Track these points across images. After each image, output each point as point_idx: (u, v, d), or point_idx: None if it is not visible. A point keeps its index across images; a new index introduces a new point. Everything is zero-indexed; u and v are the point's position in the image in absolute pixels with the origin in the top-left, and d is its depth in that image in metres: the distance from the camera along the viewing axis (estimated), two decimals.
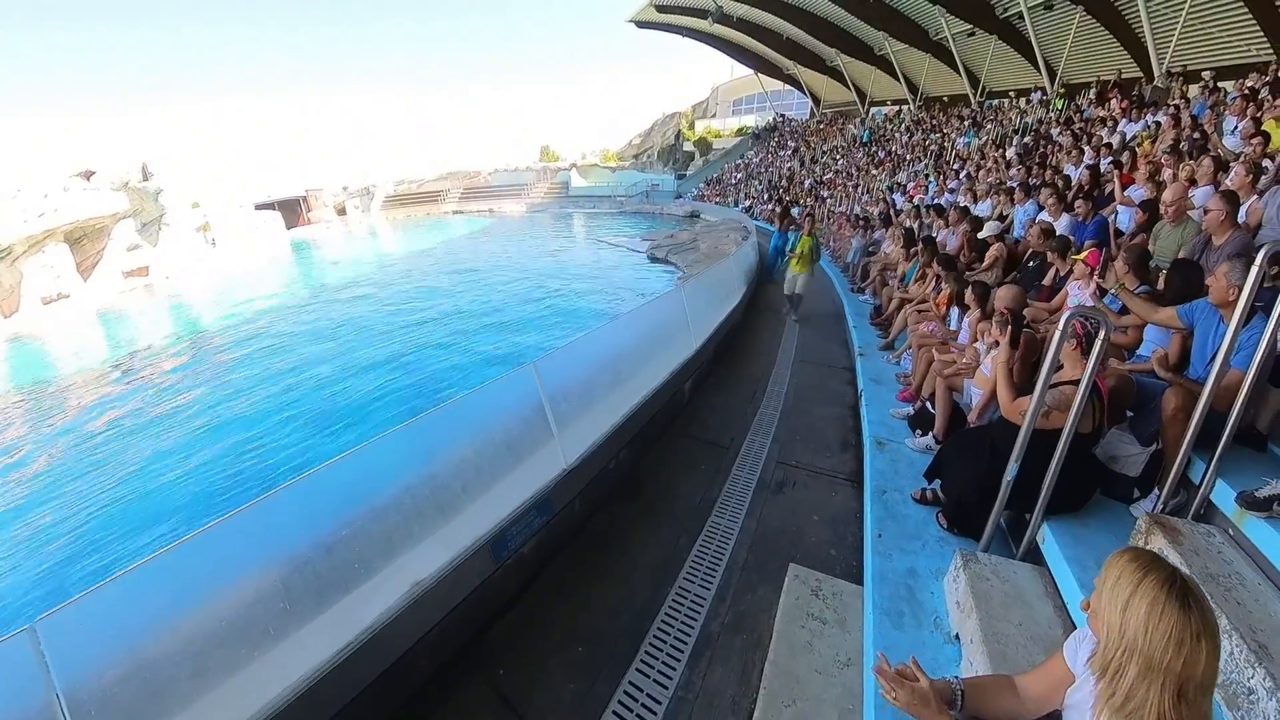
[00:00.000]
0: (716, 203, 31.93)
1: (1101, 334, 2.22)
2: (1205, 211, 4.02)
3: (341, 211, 52.13)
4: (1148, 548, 2.31)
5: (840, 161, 26.18)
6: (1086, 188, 7.09)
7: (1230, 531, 2.32)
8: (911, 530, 3.00)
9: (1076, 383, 2.52)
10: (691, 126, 52.43)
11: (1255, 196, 4.82)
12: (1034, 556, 2.58)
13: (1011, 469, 2.41)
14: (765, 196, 27.27)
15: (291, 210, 47.32)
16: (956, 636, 2.29)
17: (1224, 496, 2.39)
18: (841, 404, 5.42)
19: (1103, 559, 2.32)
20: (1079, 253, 4.92)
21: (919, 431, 4.02)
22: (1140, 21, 14.30)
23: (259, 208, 40.22)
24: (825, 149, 29.50)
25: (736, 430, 4.94)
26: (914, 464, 3.63)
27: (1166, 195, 4.45)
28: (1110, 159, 8.01)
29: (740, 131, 46.66)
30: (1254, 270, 2.16)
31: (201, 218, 33.46)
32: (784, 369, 6.44)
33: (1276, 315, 2.28)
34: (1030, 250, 5.91)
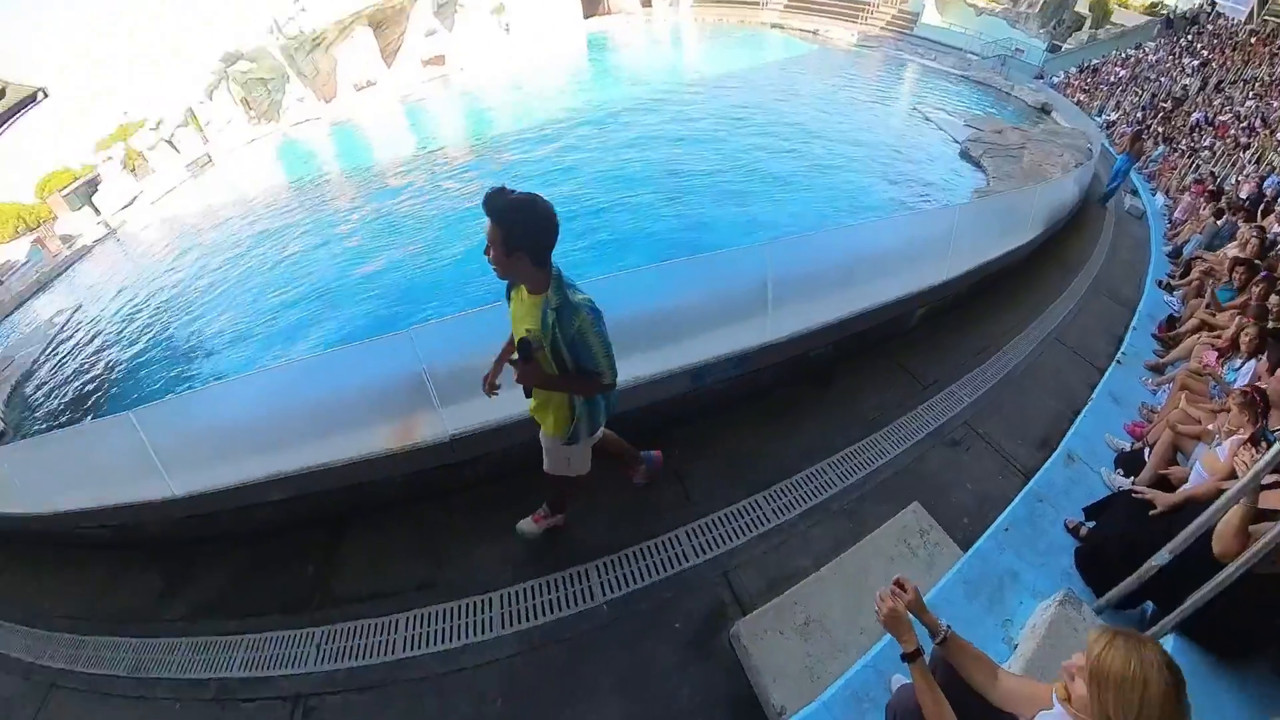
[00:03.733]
0: (1079, 102, 24.58)
1: None
2: None
3: (647, 3, 47.84)
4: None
5: (1249, 102, 17.39)
6: None
7: None
8: (1042, 547, 3.06)
9: None
10: None
11: None
12: None
13: (1162, 556, 2.31)
14: (1139, 117, 20.82)
15: None
16: (1015, 645, 2.45)
17: None
18: (1067, 401, 4.86)
19: None
20: None
21: (1120, 470, 3.73)
22: None
23: None
24: (1244, 76, 20.14)
25: (943, 375, 4.93)
26: (1091, 495, 3.44)
27: None
28: None
29: (1153, 9, 34.56)
30: None
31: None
32: (1030, 338, 5.78)
33: None
34: None
